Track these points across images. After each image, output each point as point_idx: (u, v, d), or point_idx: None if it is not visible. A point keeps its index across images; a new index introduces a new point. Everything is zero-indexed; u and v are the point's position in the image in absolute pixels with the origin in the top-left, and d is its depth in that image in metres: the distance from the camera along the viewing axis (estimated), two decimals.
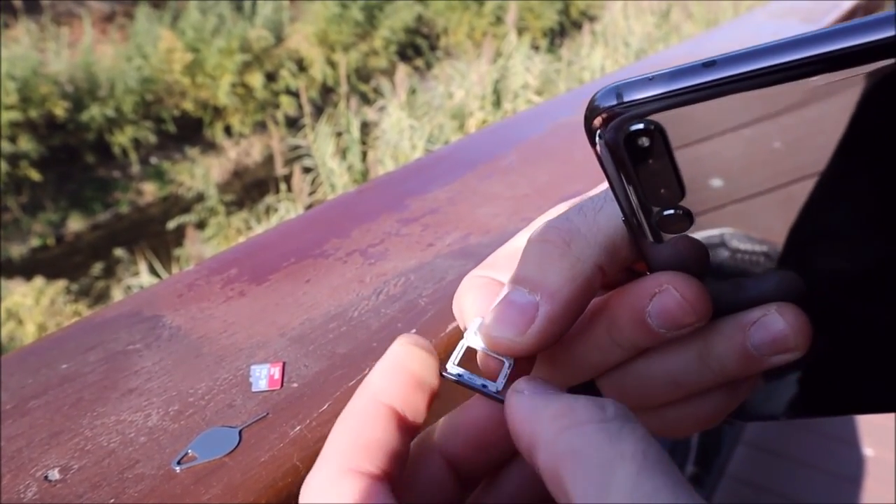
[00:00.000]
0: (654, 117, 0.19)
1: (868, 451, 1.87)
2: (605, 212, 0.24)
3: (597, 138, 0.20)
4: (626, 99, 0.20)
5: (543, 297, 0.23)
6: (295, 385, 0.29)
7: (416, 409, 0.23)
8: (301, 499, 0.21)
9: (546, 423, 0.20)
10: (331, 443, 0.21)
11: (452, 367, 0.24)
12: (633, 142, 0.20)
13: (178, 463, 0.26)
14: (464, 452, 0.24)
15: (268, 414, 0.28)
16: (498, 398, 0.23)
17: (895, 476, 1.75)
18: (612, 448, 0.18)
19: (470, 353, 0.24)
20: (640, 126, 0.20)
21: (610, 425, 0.19)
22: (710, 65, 0.19)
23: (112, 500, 0.24)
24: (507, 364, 0.24)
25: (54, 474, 0.25)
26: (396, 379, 0.23)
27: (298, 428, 0.27)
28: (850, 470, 1.81)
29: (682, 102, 0.19)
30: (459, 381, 0.23)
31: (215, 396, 0.29)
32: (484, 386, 0.23)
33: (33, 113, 7.03)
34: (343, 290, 0.36)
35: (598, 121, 0.20)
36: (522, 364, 0.24)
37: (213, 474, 0.25)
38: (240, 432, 0.27)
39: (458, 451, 0.24)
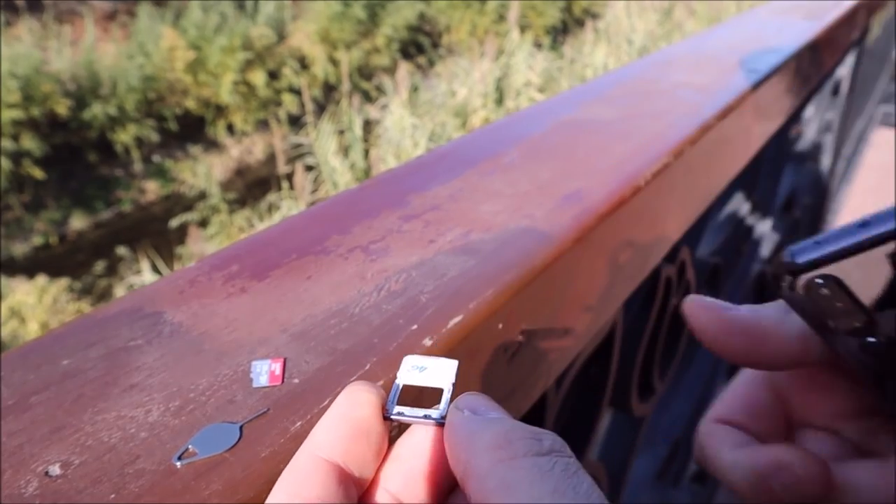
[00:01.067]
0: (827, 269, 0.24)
1: None
2: None
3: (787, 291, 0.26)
4: (799, 261, 0.25)
5: None
6: (296, 381, 0.29)
7: (361, 460, 0.22)
8: None
9: (481, 452, 0.20)
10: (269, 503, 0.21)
11: (394, 408, 0.24)
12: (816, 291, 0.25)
13: (179, 458, 0.26)
14: (412, 485, 0.23)
15: (269, 410, 0.28)
16: (441, 423, 0.23)
17: None
18: (544, 484, 0.18)
19: (407, 389, 0.25)
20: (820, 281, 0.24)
21: (544, 460, 0.19)
22: (865, 225, 0.23)
23: (113, 496, 0.24)
24: (447, 390, 0.24)
25: (55, 469, 0.25)
26: (338, 431, 0.22)
27: (299, 423, 0.27)
28: None
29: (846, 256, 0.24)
30: (403, 418, 0.24)
31: (216, 392, 0.29)
32: (427, 416, 0.23)
33: (35, 111, 7.04)
34: (344, 287, 0.36)
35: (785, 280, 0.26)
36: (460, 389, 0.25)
37: (213, 470, 0.25)
38: (240, 428, 0.27)
39: (402, 483, 0.23)
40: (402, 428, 0.24)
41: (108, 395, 0.29)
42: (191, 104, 8.14)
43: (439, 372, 0.25)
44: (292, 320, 0.33)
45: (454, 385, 0.24)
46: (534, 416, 0.55)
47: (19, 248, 6.61)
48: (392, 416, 0.23)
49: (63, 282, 5.70)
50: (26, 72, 7.02)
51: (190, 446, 0.26)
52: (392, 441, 0.24)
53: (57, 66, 7.55)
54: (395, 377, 0.25)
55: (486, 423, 0.21)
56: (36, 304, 5.31)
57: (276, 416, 0.28)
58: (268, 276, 0.37)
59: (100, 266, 6.28)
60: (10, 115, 6.71)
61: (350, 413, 0.23)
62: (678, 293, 0.83)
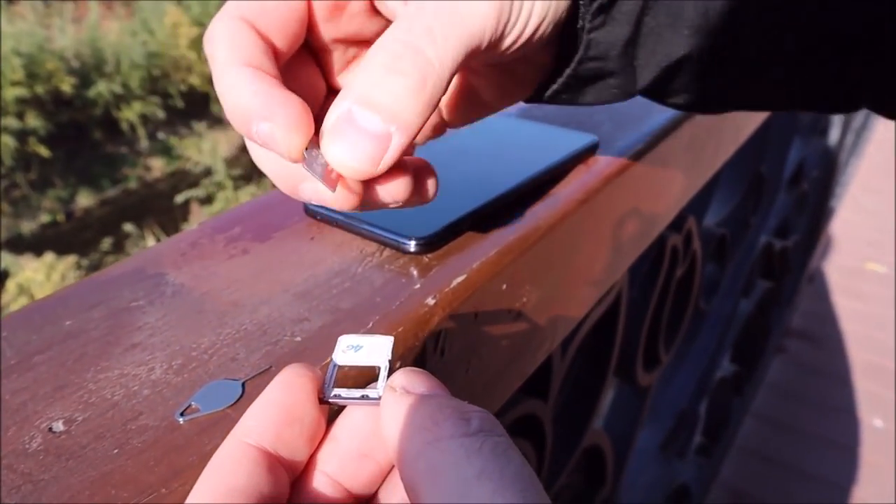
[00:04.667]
0: None
1: (877, 422, 1.87)
2: (455, 38, 0.24)
3: None
4: None
5: (399, 130, 0.23)
6: (298, 339, 0.29)
7: (292, 445, 0.22)
8: None
9: (411, 433, 0.20)
10: (193, 492, 0.20)
11: (330, 391, 0.23)
12: None
13: (182, 414, 0.26)
14: (349, 466, 0.23)
15: (271, 367, 0.28)
16: (378, 402, 0.23)
17: None
18: (471, 466, 0.18)
19: (342, 371, 0.25)
20: None
21: (472, 440, 0.19)
22: None
23: (116, 451, 0.24)
24: (383, 368, 0.23)
25: (59, 426, 0.25)
26: (266, 416, 0.22)
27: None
28: (858, 441, 1.82)
29: None
30: (340, 401, 0.23)
31: (218, 350, 0.29)
32: (364, 396, 0.23)
33: (40, 89, 7.03)
34: (346, 247, 0.36)
35: None
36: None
37: (216, 425, 0.25)
38: (243, 385, 0.27)
39: (339, 465, 0.23)
40: (341, 408, 0.24)
41: (111, 354, 0.29)
42: (195, 81, 8.12)
43: (376, 350, 0.24)
44: (294, 280, 0.33)
45: (390, 362, 0.24)
46: (539, 382, 0.55)
47: (27, 226, 6.63)
48: (329, 400, 0.23)
49: (71, 259, 5.72)
50: (30, 49, 7.00)
51: (192, 403, 0.26)
52: (331, 422, 0.23)
53: (61, 43, 7.52)
54: (329, 359, 0.25)
55: (417, 403, 0.21)
56: (44, 281, 5.34)
57: (278, 373, 0.27)
58: (270, 238, 0.37)
59: (107, 243, 6.31)
60: (15, 92, 6.71)
61: (281, 398, 0.22)
62: (684, 263, 0.82)
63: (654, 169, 0.51)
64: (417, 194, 0.28)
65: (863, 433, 1.84)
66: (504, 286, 0.36)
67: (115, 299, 0.33)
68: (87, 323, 0.31)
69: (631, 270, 0.61)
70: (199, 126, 8.01)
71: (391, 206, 0.27)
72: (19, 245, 6.16)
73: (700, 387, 1.32)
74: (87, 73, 7.49)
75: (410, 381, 0.22)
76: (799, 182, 1.61)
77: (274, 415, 0.22)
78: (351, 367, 0.25)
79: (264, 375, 0.27)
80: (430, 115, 0.24)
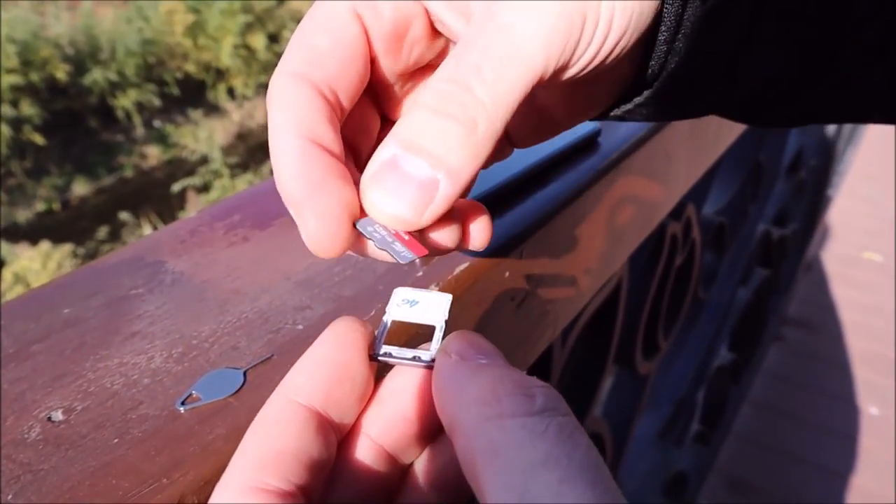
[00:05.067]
0: None
1: (873, 410, 1.88)
2: (510, 75, 0.21)
3: None
4: None
5: (447, 177, 0.21)
6: (300, 327, 0.29)
7: (342, 405, 0.21)
8: None
9: (468, 407, 0.18)
10: (239, 454, 0.19)
11: (380, 348, 0.22)
12: None
13: (182, 403, 0.25)
14: (394, 430, 0.21)
15: (273, 355, 0.27)
16: (431, 366, 0.21)
17: None
18: (535, 450, 0.17)
19: (396, 326, 0.23)
20: None
21: (536, 421, 0.17)
22: None
23: (116, 440, 0.24)
24: (438, 329, 0.22)
25: (58, 415, 0.25)
26: (317, 374, 0.20)
27: None
28: (855, 429, 1.82)
29: None
30: (390, 360, 0.22)
31: (219, 339, 0.28)
32: (416, 358, 0.22)
33: (34, 77, 6.98)
34: None
35: None
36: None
37: (217, 414, 0.25)
38: (244, 373, 0.27)
39: (384, 429, 0.21)
40: (388, 366, 0.22)
41: (110, 343, 0.29)
42: (191, 68, 8.08)
43: (432, 307, 0.23)
44: (296, 268, 0.33)
45: (447, 323, 0.22)
46: (540, 370, 0.55)
47: (22, 215, 6.61)
48: (378, 358, 0.22)
49: (67, 247, 5.71)
50: (24, 36, 6.95)
51: (193, 392, 0.26)
52: (378, 380, 0.22)
53: (55, 30, 7.47)
54: (383, 312, 0.23)
55: (473, 372, 0.19)
56: (40, 269, 5.32)
57: (280, 361, 0.27)
58: (270, 225, 0.37)
59: (103, 231, 6.29)
60: (9, 80, 6.66)
61: (334, 354, 0.21)
62: (683, 251, 0.82)
63: (656, 157, 0.51)
64: (468, 242, 0.25)
65: (859, 420, 1.85)
66: (506, 274, 0.35)
67: (114, 287, 0.32)
68: (86, 311, 0.31)
69: (631, 258, 0.61)
70: (195, 114, 7.97)
71: (436, 255, 0.25)
72: (15, 233, 6.14)
73: (698, 375, 1.32)
74: (81, 60, 7.45)
75: (465, 345, 0.20)
76: (797, 170, 1.61)
77: (325, 372, 0.21)
78: (403, 323, 0.24)
79: (266, 364, 0.27)
80: (484, 159, 0.22)
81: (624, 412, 0.87)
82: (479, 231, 0.25)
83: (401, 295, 0.23)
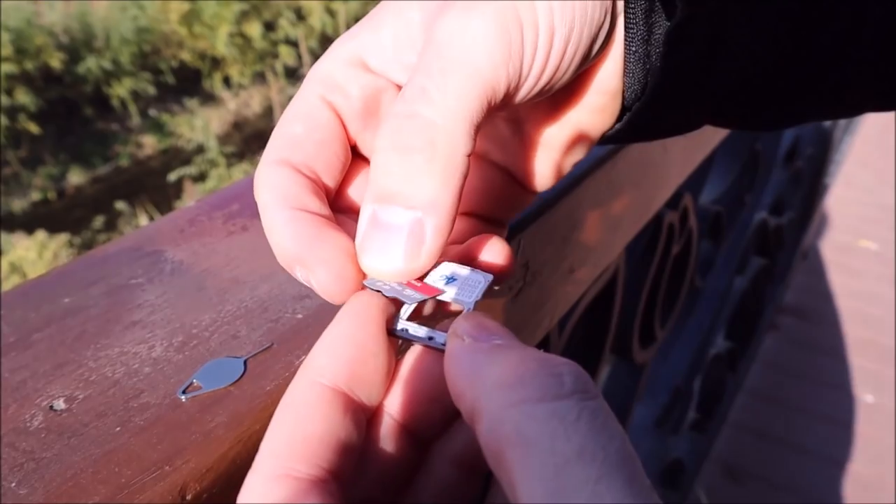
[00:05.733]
0: None
1: (868, 397, 1.89)
2: (454, 86, 0.20)
3: None
4: None
5: (427, 212, 0.20)
6: (300, 316, 0.29)
7: (368, 384, 0.20)
8: (238, 500, 0.18)
9: (490, 391, 0.17)
10: (266, 440, 0.18)
11: (399, 323, 0.21)
12: None
13: (184, 392, 0.25)
14: (417, 411, 0.21)
15: (273, 344, 0.28)
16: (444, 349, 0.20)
17: (895, 422, 1.77)
18: (569, 442, 0.15)
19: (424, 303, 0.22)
20: None
21: (567, 406, 0.16)
22: None
23: (118, 428, 0.24)
24: (466, 310, 0.21)
25: (60, 404, 0.25)
26: (341, 353, 0.20)
27: (303, 357, 0.27)
28: (850, 416, 1.83)
29: None
30: (406, 336, 0.21)
31: (219, 328, 0.29)
32: (430, 338, 0.21)
33: (29, 65, 6.94)
34: None
35: None
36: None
37: (218, 403, 0.25)
38: (245, 362, 0.27)
39: (406, 408, 0.21)
40: (408, 343, 0.22)
41: (111, 332, 0.29)
42: (186, 56, 8.04)
43: (467, 286, 0.21)
44: None
45: (476, 304, 0.21)
46: None
47: (18, 204, 6.59)
48: (396, 333, 0.21)
49: (63, 237, 5.70)
50: (18, 24, 6.91)
51: (194, 380, 0.26)
52: (399, 356, 0.22)
53: (49, 18, 7.43)
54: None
55: (490, 353, 0.18)
56: (36, 259, 5.31)
57: (280, 350, 0.27)
58: None
59: (99, 221, 6.28)
60: (4, 68, 6.63)
61: (353, 331, 0.20)
62: (680, 240, 0.82)
63: (653, 146, 0.51)
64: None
65: (854, 408, 1.86)
66: None
67: (114, 276, 0.32)
68: (86, 300, 0.31)
69: (627, 247, 0.61)
70: (191, 103, 7.94)
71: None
72: (11, 223, 6.13)
73: (694, 363, 1.33)
74: (76, 48, 7.41)
75: (475, 327, 0.19)
76: (794, 159, 1.61)
77: (347, 351, 0.20)
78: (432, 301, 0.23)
79: (266, 353, 0.27)
80: (459, 179, 0.21)
81: (621, 401, 0.88)
82: (494, 258, 0.23)
83: (443, 270, 0.22)
